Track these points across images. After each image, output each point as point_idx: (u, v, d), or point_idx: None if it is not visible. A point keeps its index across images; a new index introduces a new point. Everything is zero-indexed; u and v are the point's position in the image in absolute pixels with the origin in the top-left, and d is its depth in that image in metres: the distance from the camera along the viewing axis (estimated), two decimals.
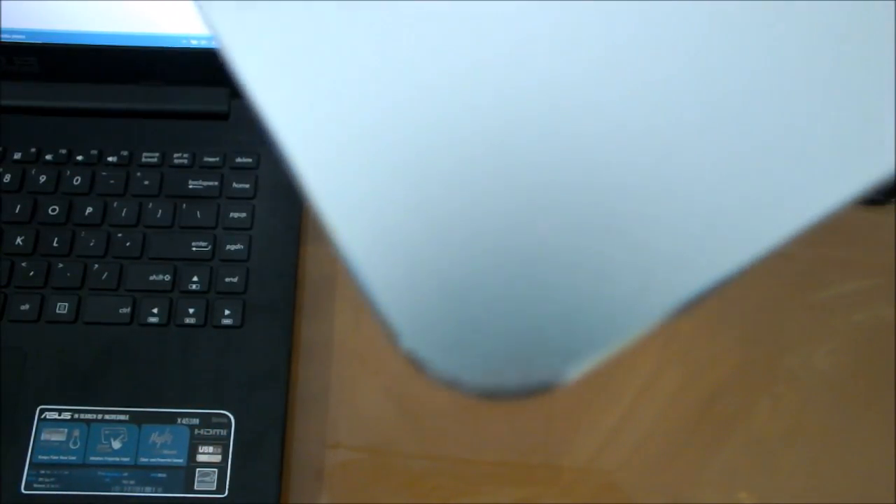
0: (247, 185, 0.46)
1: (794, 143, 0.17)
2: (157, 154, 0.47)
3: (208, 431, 0.40)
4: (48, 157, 0.47)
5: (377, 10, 0.18)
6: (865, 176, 0.16)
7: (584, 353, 0.15)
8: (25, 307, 0.42)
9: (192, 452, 0.39)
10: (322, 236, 0.17)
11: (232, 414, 0.40)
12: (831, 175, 0.16)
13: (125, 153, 0.47)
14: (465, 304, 0.16)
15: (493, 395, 0.15)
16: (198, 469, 0.39)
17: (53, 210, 0.45)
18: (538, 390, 0.15)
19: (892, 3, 0.17)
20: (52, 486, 0.38)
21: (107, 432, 0.39)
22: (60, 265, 0.44)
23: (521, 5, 0.18)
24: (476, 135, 0.17)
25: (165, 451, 0.39)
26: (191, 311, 0.43)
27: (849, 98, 0.17)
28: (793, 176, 0.16)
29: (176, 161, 0.47)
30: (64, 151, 0.47)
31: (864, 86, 0.17)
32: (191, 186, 0.46)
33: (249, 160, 0.47)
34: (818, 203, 0.16)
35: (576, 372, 0.15)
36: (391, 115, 0.17)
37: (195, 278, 0.43)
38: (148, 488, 0.38)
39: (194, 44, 0.48)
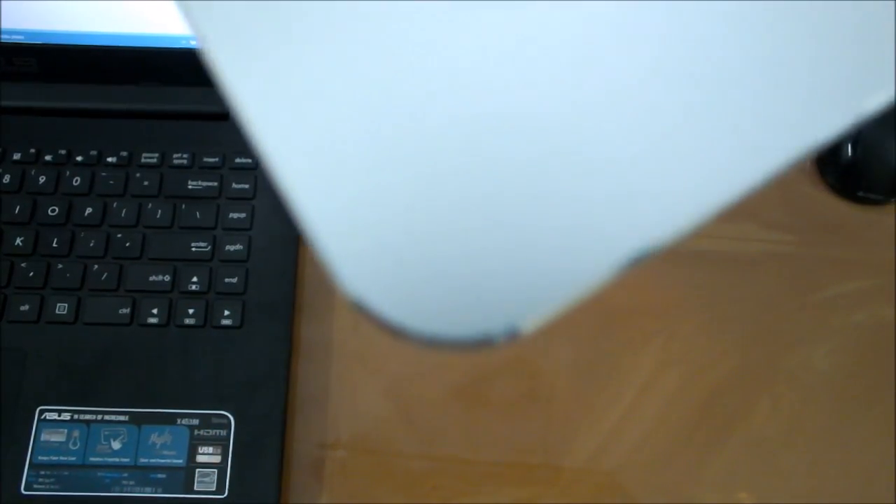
0: (246, 186, 0.46)
1: (745, 98, 0.17)
2: (156, 154, 0.47)
3: (208, 432, 0.40)
4: (48, 157, 0.47)
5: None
6: (818, 131, 0.16)
7: (540, 304, 0.16)
8: (25, 308, 0.42)
9: (192, 453, 0.39)
10: None
11: (232, 414, 0.40)
12: (785, 132, 0.17)
13: (125, 153, 0.47)
14: (421, 255, 0.16)
15: (449, 347, 0.16)
16: (197, 469, 0.39)
17: (53, 210, 0.45)
18: (498, 340, 0.16)
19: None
20: (52, 486, 0.38)
21: (106, 433, 0.39)
22: (60, 266, 0.44)
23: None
24: (430, 89, 0.17)
25: (165, 452, 0.39)
26: (190, 311, 0.43)
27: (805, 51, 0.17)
28: (745, 132, 0.17)
29: (175, 161, 0.47)
30: (63, 152, 0.47)
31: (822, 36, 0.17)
32: (190, 187, 0.46)
33: (249, 160, 0.47)
34: (764, 162, 0.16)
35: (532, 323, 0.16)
36: (352, 76, 0.18)
37: (195, 279, 0.43)
38: (148, 489, 0.38)
39: (194, 44, 0.48)
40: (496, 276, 0.16)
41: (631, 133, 0.17)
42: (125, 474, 0.38)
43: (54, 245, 0.44)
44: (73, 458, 0.39)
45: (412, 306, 0.16)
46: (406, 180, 0.17)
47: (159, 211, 0.45)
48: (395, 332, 0.16)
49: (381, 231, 0.16)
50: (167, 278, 0.43)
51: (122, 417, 0.40)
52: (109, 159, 0.47)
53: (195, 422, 0.40)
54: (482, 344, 0.16)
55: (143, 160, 0.47)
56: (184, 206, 0.46)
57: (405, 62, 0.18)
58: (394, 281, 0.16)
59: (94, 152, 0.47)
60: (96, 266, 0.44)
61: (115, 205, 0.46)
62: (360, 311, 0.16)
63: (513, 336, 0.16)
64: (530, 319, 0.16)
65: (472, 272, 0.16)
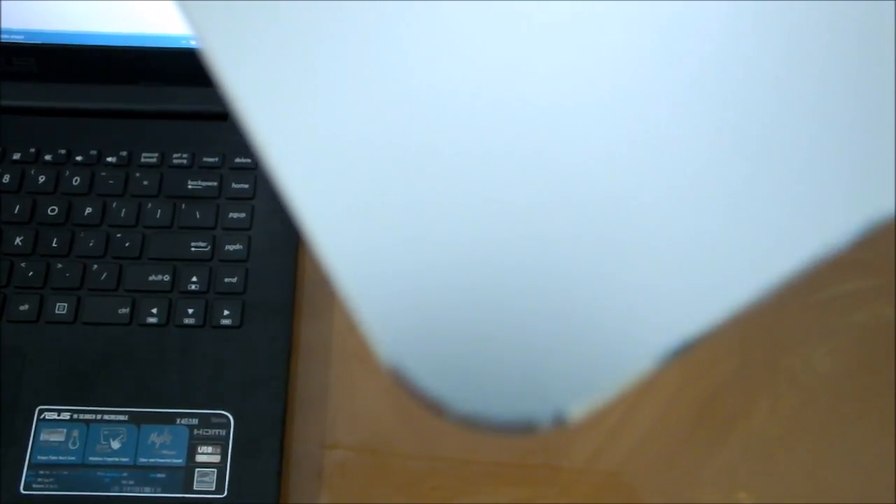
0: (246, 186, 0.46)
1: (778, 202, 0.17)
2: (156, 154, 0.47)
3: (207, 432, 0.40)
4: (47, 157, 0.47)
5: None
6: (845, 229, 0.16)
7: (588, 392, 0.15)
8: (25, 307, 0.42)
9: (192, 453, 0.39)
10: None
11: (231, 414, 0.40)
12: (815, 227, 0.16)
13: (124, 153, 0.47)
14: (467, 332, 0.16)
15: (490, 428, 0.15)
16: (197, 469, 0.39)
17: (52, 210, 0.45)
18: (545, 427, 0.15)
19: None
20: (52, 486, 0.38)
21: (106, 432, 0.39)
22: (59, 265, 0.44)
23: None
24: (476, 178, 0.17)
25: (164, 452, 0.39)
26: (190, 311, 0.42)
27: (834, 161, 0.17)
28: (795, 215, 0.16)
29: (175, 161, 0.47)
30: (63, 152, 0.47)
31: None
32: (190, 187, 0.46)
33: (248, 160, 0.47)
34: (794, 257, 0.16)
35: (580, 412, 0.15)
36: (379, 134, 0.17)
37: (194, 278, 0.43)
38: (147, 488, 0.38)
39: (193, 44, 0.48)
40: (544, 360, 0.15)
41: (680, 222, 0.16)
42: (124, 474, 0.38)
43: (54, 245, 0.44)
44: (73, 458, 0.39)
45: (454, 383, 0.15)
46: (454, 255, 0.16)
47: (159, 211, 0.45)
48: (434, 408, 0.15)
49: (427, 305, 0.16)
50: (167, 278, 0.43)
51: (121, 417, 0.40)
52: (109, 159, 0.47)
53: (194, 421, 0.40)
54: (527, 429, 0.15)
55: (142, 160, 0.47)
56: (183, 206, 0.46)
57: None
58: (437, 356, 0.15)
59: (93, 152, 0.47)
60: (96, 266, 0.44)
61: (114, 205, 0.45)
62: (398, 381, 0.15)
63: (559, 423, 0.15)
64: (578, 407, 0.15)
65: (518, 354, 0.16)
